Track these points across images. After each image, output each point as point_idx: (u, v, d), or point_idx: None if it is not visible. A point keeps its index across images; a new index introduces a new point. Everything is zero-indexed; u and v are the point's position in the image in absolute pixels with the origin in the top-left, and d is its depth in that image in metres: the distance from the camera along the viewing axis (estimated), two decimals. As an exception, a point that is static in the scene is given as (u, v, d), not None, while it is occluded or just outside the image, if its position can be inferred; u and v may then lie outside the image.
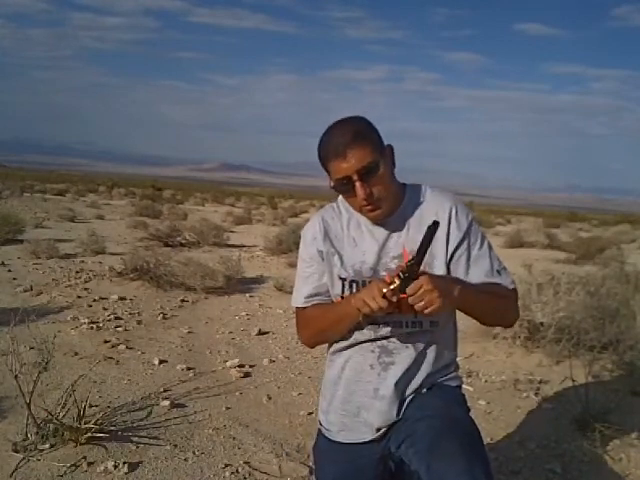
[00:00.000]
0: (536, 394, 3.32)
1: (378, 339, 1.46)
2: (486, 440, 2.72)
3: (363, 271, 1.45)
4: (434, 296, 1.22)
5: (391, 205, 1.43)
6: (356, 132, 1.35)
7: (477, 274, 1.43)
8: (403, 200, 1.46)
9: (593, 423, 2.70)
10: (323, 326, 1.50)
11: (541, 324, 3.89)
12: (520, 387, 3.45)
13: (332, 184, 1.40)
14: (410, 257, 1.26)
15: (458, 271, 1.43)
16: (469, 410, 1.52)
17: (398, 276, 1.23)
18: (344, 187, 1.37)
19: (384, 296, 1.23)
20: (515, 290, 1.47)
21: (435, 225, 1.24)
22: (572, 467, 2.50)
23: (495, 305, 1.43)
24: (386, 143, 1.42)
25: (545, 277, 4.21)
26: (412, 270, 1.23)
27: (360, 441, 1.49)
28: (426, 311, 1.24)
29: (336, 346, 1.55)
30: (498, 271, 1.45)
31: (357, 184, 1.34)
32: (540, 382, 3.51)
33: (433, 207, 1.45)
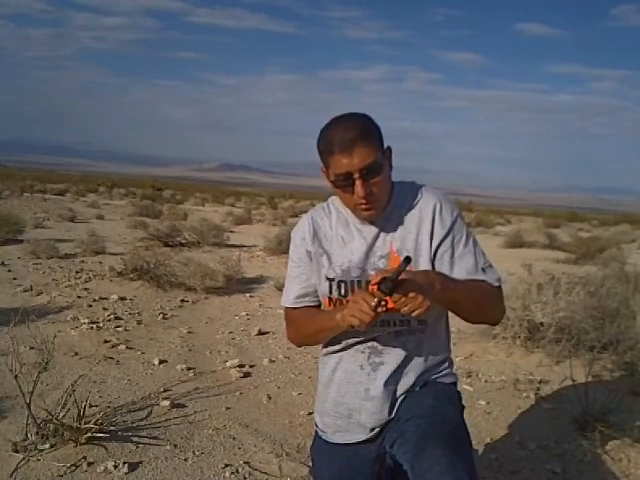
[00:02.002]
0: (536, 394, 3.32)
1: (367, 340, 1.46)
2: (486, 440, 2.72)
3: (351, 270, 1.45)
4: (418, 301, 1.20)
5: (384, 205, 1.43)
6: (363, 130, 1.34)
7: (462, 271, 1.41)
8: (392, 199, 1.46)
9: (593, 423, 2.70)
10: (309, 333, 1.52)
11: (541, 324, 3.89)
12: (520, 387, 3.44)
13: (331, 178, 1.39)
14: (384, 276, 1.22)
15: (442, 268, 1.42)
16: (463, 408, 1.53)
17: (380, 290, 1.20)
18: (343, 183, 1.36)
19: (374, 309, 1.22)
20: (500, 288, 1.45)
21: (407, 260, 1.19)
22: (572, 467, 2.50)
23: (479, 302, 1.40)
24: (386, 145, 1.41)
25: (545, 277, 4.21)
26: (391, 288, 1.20)
27: (355, 441, 1.50)
28: (413, 314, 1.23)
29: (327, 348, 1.56)
30: (483, 269, 1.43)
31: (358, 182, 1.33)
32: (540, 382, 3.50)
33: (418, 205, 1.45)
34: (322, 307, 1.53)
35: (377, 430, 1.47)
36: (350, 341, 1.48)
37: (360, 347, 1.47)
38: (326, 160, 1.38)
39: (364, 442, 1.49)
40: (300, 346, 1.69)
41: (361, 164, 1.32)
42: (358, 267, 1.44)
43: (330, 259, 1.47)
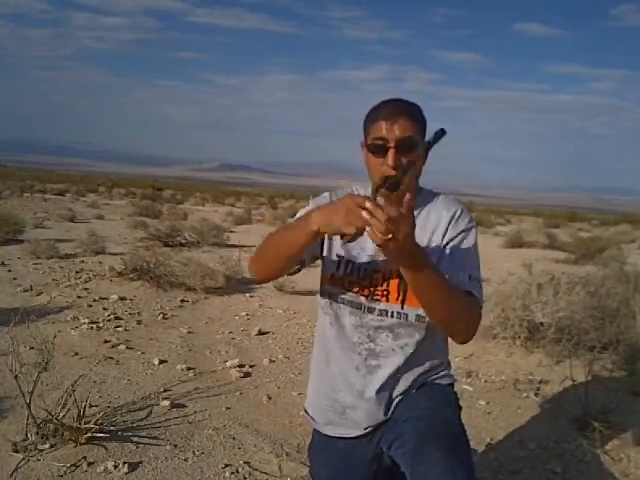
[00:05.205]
0: (536, 394, 3.32)
1: (365, 342, 1.46)
2: (486, 440, 2.72)
3: (361, 255, 1.46)
4: (396, 230, 1.09)
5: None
6: (410, 110, 1.39)
7: (452, 268, 1.35)
8: (416, 196, 1.48)
9: (593, 423, 2.70)
10: (271, 246, 1.40)
11: (541, 324, 3.89)
12: (520, 387, 3.45)
13: (367, 142, 1.40)
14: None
15: (440, 263, 1.39)
16: (460, 409, 1.53)
17: (386, 187, 1.17)
18: (377, 148, 1.37)
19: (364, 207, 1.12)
20: (481, 308, 1.36)
21: (442, 132, 1.18)
22: (572, 467, 2.50)
23: (453, 304, 1.28)
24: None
25: (545, 277, 4.21)
26: (396, 182, 1.16)
27: (347, 436, 1.51)
28: (375, 238, 1.12)
29: (320, 344, 1.56)
30: (474, 277, 1.36)
31: (391, 151, 1.35)
32: (540, 382, 3.51)
33: (440, 208, 1.46)
34: (325, 285, 1.52)
35: (371, 429, 1.48)
36: (346, 342, 1.48)
37: (357, 348, 1.47)
38: (368, 128, 1.40)
39: (358, 438, 1.50)
40: (261, 277, 1.51)
41: (399, 134, 1.34)
42: (368, 254, 1.45)
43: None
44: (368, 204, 1.10)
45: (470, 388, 3.41)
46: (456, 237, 1.42)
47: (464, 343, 1.36)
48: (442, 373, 1.53)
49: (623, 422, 2.78)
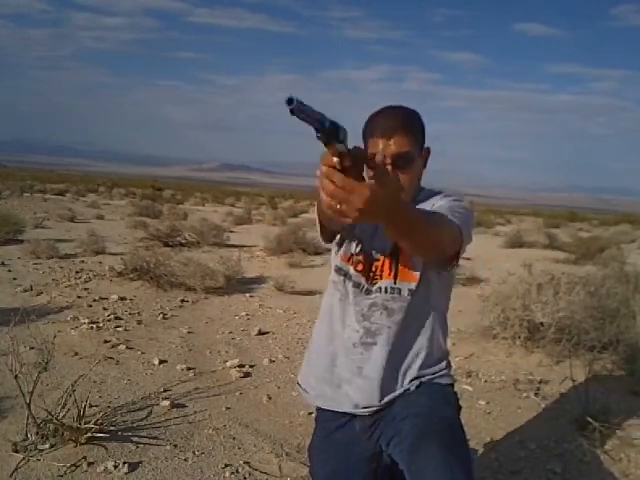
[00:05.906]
0: (536, 394, 3.32)
1: (362, 320, 1.48)
2: (486, 440, 2.72)
3: (367, 241, 1.50)
4: (352, 202, 0.91)
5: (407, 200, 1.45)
6: (406, 121, 1.41)
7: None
8: (418, 197, 1.50)
9: (593, 423, 2.70)
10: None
11: (541, 324, 3.89)
12: (520, 387, 3.45)
13: None
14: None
15: None
16: (460, 409, 1.53)
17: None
18: None
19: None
20: (460, 230, 1.31)
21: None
22: (572, 467, 2.50)
23: (427, 231, 1.19)
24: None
25: (545, 277, 4.21)
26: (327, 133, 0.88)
27: (338, 410, 1.53)
28: (327, 207, 0.96)
29: (322, 323, 1.59)
30: (461, 222, 1.32)
31: (387, 168, 1.36)
32: (540, 382, 3.51)
33: (437, 199, 1.48)
34: (339, 263, 1.54)
35: (362, 410, 1.49)
36: (349, 319, 1.51)
37: (356, 326, 1.50)
38: (366, 142, 1.43)
39: (351, 418, 1.51)
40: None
41: (395, 150, 1.37)
42: (375, 238, 1.49)
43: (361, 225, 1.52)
44: (317, 172, 0.94)
45: (470, 388, 3.41)
46: (447, 203, 1.43)
47: (431, 255, 1.31)
48: (442, 372, 1.53)
49: (623, 422, 2.78)
